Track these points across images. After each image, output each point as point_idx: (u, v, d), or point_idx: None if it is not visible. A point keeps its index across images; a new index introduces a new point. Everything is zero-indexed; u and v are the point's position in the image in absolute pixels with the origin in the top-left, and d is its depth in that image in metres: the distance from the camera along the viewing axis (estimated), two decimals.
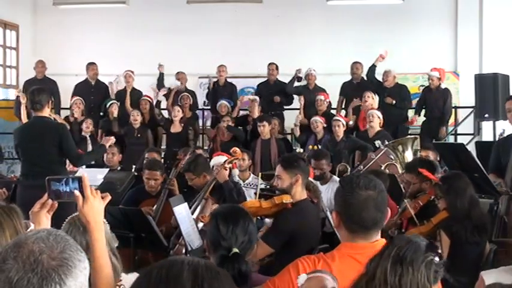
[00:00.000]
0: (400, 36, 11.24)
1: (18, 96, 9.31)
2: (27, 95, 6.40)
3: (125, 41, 11.73)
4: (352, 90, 9.51)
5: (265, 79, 10.05)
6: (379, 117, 8.07)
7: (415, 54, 10.96)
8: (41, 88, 5.71)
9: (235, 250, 2.41)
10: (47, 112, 5.47)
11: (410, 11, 11.08)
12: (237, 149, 5.35)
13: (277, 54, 10.98)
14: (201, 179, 5.17)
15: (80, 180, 2.16)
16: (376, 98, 8.94)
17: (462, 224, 4.05)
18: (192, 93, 10.00)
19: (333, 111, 9.43)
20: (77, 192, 2.14)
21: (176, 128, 9.00)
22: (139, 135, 8.86)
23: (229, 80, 10.22)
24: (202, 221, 4.12)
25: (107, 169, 6.44)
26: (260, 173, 5.84)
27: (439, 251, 1.99)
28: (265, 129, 8.37)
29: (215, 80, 9.93)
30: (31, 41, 12.19)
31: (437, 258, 1.84)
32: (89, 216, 2.13)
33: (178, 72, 9.98)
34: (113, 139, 6.06)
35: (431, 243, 2.00)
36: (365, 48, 11.05)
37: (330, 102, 9.33)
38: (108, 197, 2.22)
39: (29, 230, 2.42)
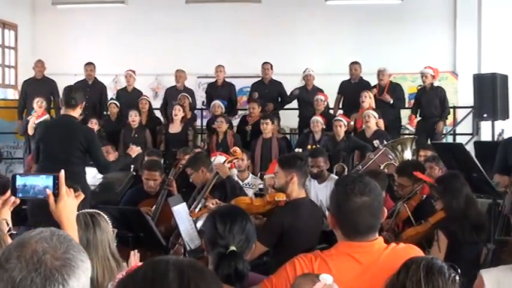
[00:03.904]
0: (398, 36, 11.24)
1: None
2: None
3: (124, 40, 11.72)
4: (350, 89, 9.53)
5: (260, 79, 10.01)
6: (375, 118, 8.15)
7: (414, 54, 10.95)
8: (78, 87, 5.66)
9: (233, 248, 2.42)
10: (77, 113, 5.33)
11: (409, 11, 11.08)
12: (237, 148, 5.36)
13: (276, 54, 10.98)
14: (200, 174, 5.18)
15: (55, 177, 2.08)
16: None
17: (459, 223, 4.05)
18: (191, 93, 10.00)
19: (331, 111, 9.48)
20: (48, 191, 2.06)
21: (176, 128, 8.95)
22: (136, 136, 8.84)
23: (228, 79, 10.20)
24: (191, 216, 4.14)
25: None
26: (259, 173, 5.86)
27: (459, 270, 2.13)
28: (268, 127, 8.30)
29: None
30: (30, 40, 12.17)
31: (457, 277, 2.07)
32: (63, 215, 2.06)
33: (177, 70, 9.98)
34: (139, 149, 6.01)
35: (452, 265, 2.12)
36: (364, 48, 11.09)
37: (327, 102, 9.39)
38: (82, 196, 2.15)
39: None
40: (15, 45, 12.01)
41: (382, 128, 8.35)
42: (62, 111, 5.44)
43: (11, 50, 11.97)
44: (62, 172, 2.09)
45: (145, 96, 9.59)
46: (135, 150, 5.91)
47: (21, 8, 12.07)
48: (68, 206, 2.08)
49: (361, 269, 2.25)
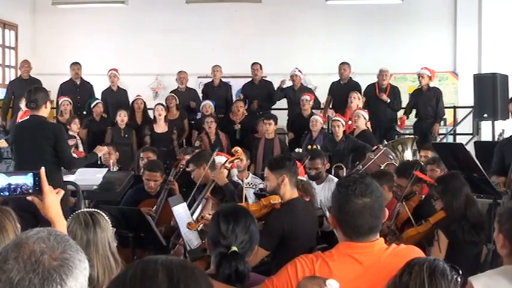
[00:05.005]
0: (399, 36, 11.26)
1: None
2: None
3: (124, 40, 11.73)
4: (339, 90, 9.57)
5: (251, 79, 10.04)
6: (364, 118, 8.15)
7: (414, 54, 10.96)
8: (39, 88, 5.66)
9: (234, 248, 2.41)
10: (44, 112, 5.36)
11: (410, 11, 11.09)
12: (238, 148, 5.33)
13: (277, 54, 11.00)
14: (201, 171, 5.17)
15: (35, 175, 2.09)
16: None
17: (459, 223, 4.05)
18: (194, 93, 10.01)
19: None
20: (29, 198, 2.08)
21: (161, 128, 8.97)
22: (126, 136, 8.85)
23: (227, 79, 10.20)
24: (189, 229, 4.11)
25: (106, 169, 6.45)
26: (250, 172, 5.85)
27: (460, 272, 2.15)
28: (271, 128, 8.27)
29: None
30: (30, 40, 12.18)
31: (459, 279, 2.10)
32: (52, 211, 2.08)
33: (179, 72, 9.98)
34: (105, 150, 6.13)
35: (453, 266, 2.13)
36: (364, 48, 11.09)
37: (318, 102, 9.45)
38: (62, 192, 2.17)
39: None
40: (15, 45, 12.01)
41: (370, 129, 8.37)
42: (30, 113, 5.47)
43: (11, 50, 11.97)
44: (43, 169, 2.10)
45: (139, 96, 9.61)
46: (101, 149, 6.00)
47: (21, 8, 12.07)
48: (54, 202, 2.10)
49: (362, 270, 2.25)
